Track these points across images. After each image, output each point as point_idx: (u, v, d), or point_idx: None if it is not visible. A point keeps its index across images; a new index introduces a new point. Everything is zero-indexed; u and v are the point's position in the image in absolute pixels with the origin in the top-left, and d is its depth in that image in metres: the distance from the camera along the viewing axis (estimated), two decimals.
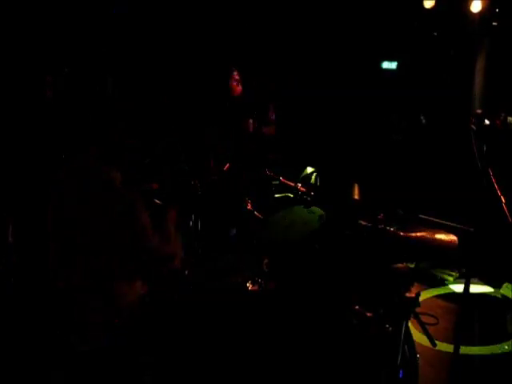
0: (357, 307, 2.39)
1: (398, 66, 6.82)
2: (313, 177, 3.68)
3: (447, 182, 5.38)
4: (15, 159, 4.34)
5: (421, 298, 2.31)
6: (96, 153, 2.31)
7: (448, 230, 2.50)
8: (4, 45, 4.47)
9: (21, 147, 4.41)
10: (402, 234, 2.52)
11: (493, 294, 4.26)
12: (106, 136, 2.32)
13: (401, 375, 2.21)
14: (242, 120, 4.47)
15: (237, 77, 4.49)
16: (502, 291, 4.27)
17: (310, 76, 6.33)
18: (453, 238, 2.44)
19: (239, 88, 4.52)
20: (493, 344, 3.46)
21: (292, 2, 5.98)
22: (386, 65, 6.85)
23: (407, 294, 2.35)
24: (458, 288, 4.31)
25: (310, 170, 3.70)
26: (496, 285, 4.33)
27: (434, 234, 2.51)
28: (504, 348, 3.42)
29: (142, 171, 3.09)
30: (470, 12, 5.86)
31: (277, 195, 3.79)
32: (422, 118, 6.37)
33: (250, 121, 4.49)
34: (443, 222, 4.58)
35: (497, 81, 5.98)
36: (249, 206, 3.52)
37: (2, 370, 2.80)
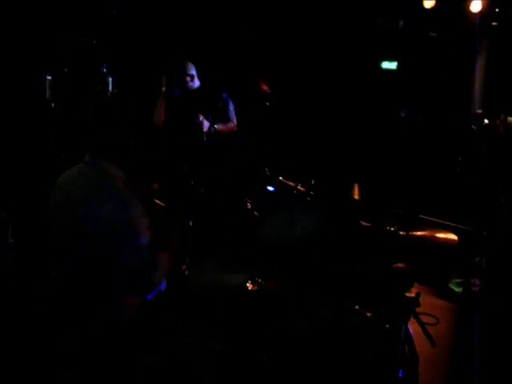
0: (357, 307, 2.39)
1: (397, 66, 6.82)
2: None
3: (447, 181, 5.38)
4: (15, 159, 4.35)
5: (421, 298, 2.31)
6: (97, 153, 2.31)
7: (448, 230, 2.50)
8: (4, 45, 4.47)
9: (21, 147, 4.41)
10: (401, 233, 2.52)
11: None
12: (107, 136, 2.31)
13: (401, 375, 2.21)
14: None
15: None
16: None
17: (309, 75, 6.33)
18: (453, 237, 2.44)
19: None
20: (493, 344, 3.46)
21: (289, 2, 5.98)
22: (385, 65, 6.84)
23: (407, 294, 2.35)
24: (458, 288, 4.31)
25: None
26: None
27: (434, 233, 2.51)
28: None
29: (143, 171, 3.09)
30: (470, 12, 5.86)
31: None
32: (403, 111, 6.35)
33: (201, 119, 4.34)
34: (443, 221, 4.59)
35: (497, 81, 5.98)
36: (249, 206, 3.52)
37: (2, 370, 2.80)
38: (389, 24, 6.32)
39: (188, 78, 4.37)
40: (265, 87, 4.84)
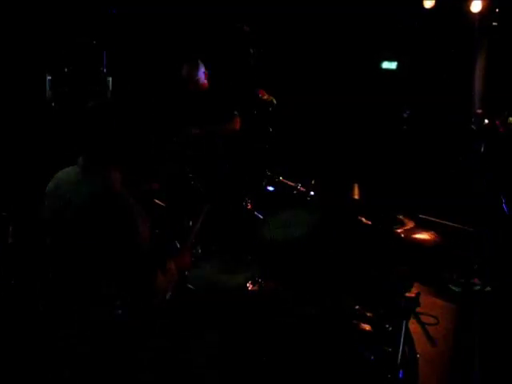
0: (357, 307, 2.39)
1: (397, 66, 6.82)
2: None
3: (447, 181, 5.38)
4: (15, 159, 4.35)
5: (421, 298, 2.31)
6: (96, 153, 2.30)
7: (448, 230, 2.50)
8: (4, 45, 4.47)
9: (21, 147, 4.41)
10: (402, 234, 2.52)
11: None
12: (106, 136, 2.31)
13: (401, 375, 2.21)
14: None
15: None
16: None
17: (308, 75, 6.33)
18: (452, 237, 2.45)
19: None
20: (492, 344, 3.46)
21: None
22: (385, 65, 6.85)
23: (407, 294, 2.35)
24: (458, 288, 4.31)
25: None
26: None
27: (434, 233, 2.51)
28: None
29: (143, 171, 3.09)
30: (470, 12, 5.87)
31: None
32: (406, 112, 6.36)
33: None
34: (443, 222, 4.58)
35: (497, 81, 5.98)
36: (249, 206, 3.53)
37: (2, 370, 2.80)
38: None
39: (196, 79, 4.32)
40: (264, 95, 4.89)
